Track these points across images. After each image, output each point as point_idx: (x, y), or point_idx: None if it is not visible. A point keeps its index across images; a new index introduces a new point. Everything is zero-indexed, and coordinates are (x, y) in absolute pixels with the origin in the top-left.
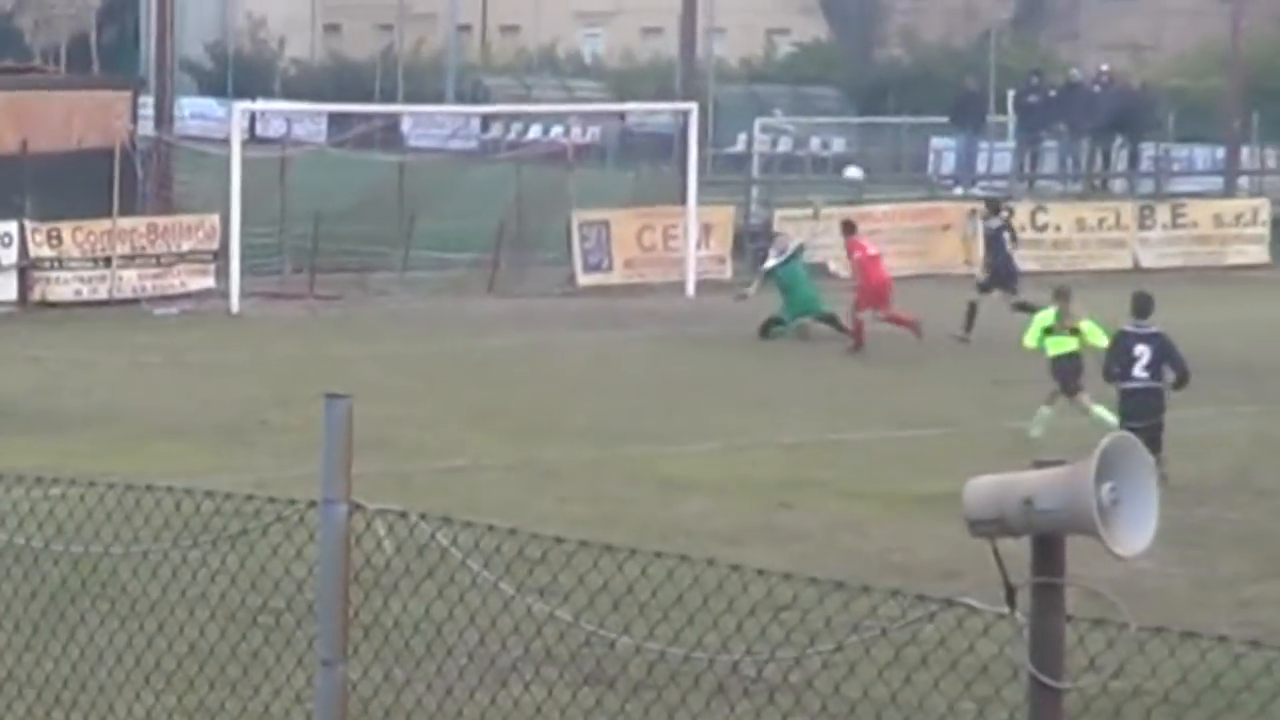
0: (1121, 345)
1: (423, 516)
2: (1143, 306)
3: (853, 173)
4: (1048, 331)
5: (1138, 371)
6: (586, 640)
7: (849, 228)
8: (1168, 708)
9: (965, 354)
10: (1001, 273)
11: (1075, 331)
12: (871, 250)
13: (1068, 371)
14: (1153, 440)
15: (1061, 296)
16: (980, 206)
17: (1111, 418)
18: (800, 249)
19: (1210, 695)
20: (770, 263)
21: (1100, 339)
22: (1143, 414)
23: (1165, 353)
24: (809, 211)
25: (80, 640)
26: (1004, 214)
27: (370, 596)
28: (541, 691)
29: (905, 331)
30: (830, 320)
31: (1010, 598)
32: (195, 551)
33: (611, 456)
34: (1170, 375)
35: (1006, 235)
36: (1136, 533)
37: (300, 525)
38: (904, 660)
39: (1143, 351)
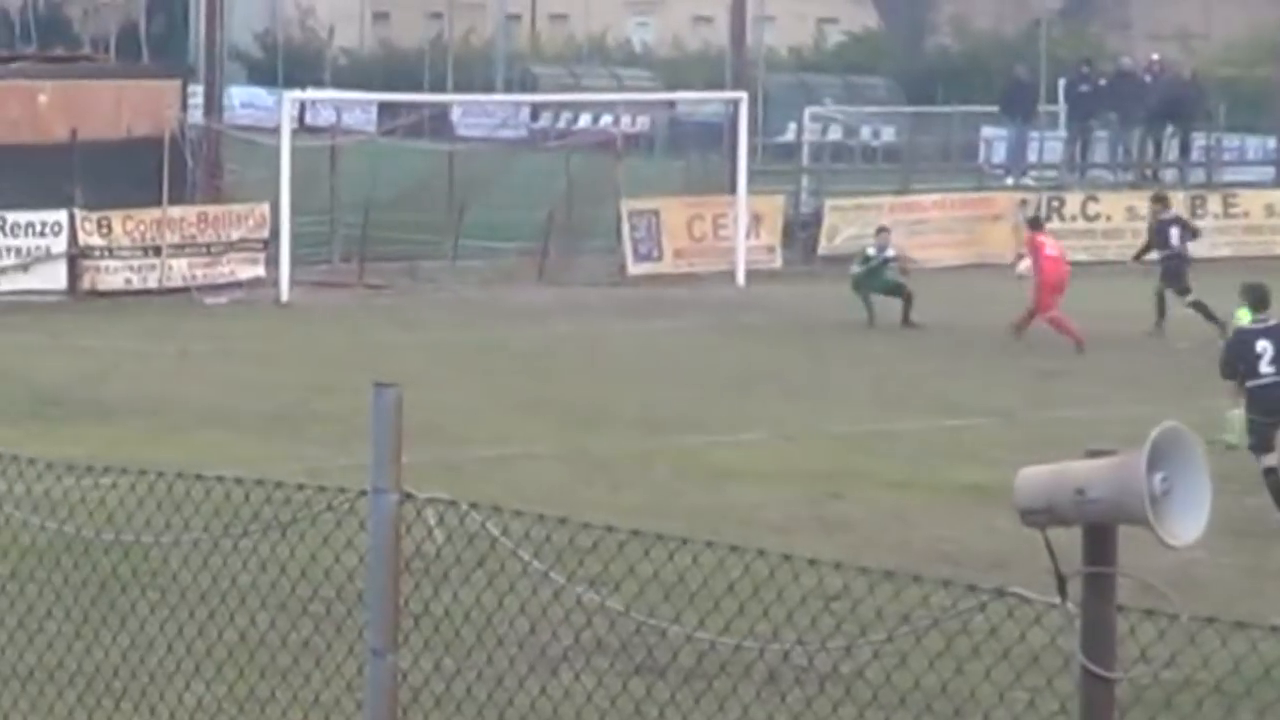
0: (1240, 343)
1: (473, 505)
2: (1258, 299)
3: None
4: None
5: (1263, 368)
6: (637, 630)
7: (1035, 223)
8: (1219, 698)
9: (1012, 345)
10: (1175, 266)
11: None
12: (1050, 250)
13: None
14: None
15: (1254, 294)
16: (1149, 201)
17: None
18: (889, 259)
19: (1262, 686)
20: (862, 262)
21: None
22: (1273, 410)
23: None
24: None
25: (130, 629)
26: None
27: (420, 586)
28: (592, 681)
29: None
30: (900, 293)
31: (1061, 588)
32: (245, 540)
33: (662, 446)
34: None
35: (1176, 229)
36: (1188, 523)
37: (350, 514)
38: (955, 650)
39: (1265, 347)
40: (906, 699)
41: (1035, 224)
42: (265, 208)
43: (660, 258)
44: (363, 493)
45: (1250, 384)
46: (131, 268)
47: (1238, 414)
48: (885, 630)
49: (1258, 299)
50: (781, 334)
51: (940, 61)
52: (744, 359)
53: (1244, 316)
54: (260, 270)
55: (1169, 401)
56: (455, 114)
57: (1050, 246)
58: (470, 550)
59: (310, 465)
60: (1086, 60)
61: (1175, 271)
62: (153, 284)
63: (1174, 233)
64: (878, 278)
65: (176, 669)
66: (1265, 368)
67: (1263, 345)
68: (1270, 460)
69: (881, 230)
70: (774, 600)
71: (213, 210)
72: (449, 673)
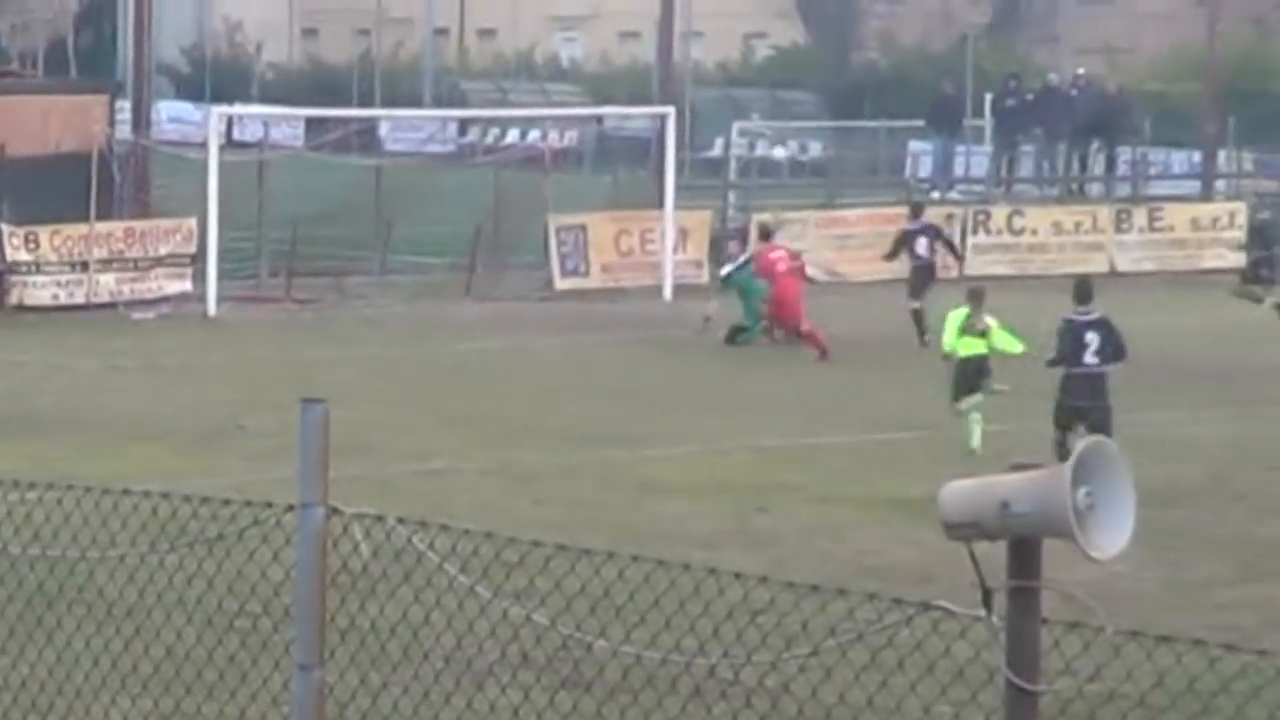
0: (1071, 333)
1: (400, 520)
2: (1084, 293)
3: (779, 153)
4: (960, 332)
5: (1088, 358)
6: (563, 644)
7: (765, 233)
8: (1143, 711)
9: (938, 358)
10: (920, 276)
11: (984, 334)
12: (781, 266)
13: (968, 374)
14: (1102, 423)
15: (974, 298)
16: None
17: (977, 438)
18: (746, 262)
19: (1186, 699)
20: (725, 269)
21: (1009, 343)
22: (1091, 395)
23: (1111, 337)
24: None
25: (57, 644)
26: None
27: (347, 600)
28: (518, 695)
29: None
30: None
31: (986, 601)
32: (172, 555)
33: (588, 460)
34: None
35: (924, 240)
36: (1112, 536)
37: (277, 529)
38: (880, 663)
39: (1092, 338)
40: (832, 713)
41: (766, 233)
42: (193, 223)
43: (587, 273)
44: (290, 507)
45: (1072, 370)
46: (59, 283)
47: (973, 400)
48: (811, 644)
49: (1083, 293)
50: (708, 348)
51: (867, 76)
52: (671, 373)
53: (955, 321)
54: (188, 285)
55: None
56: (383, 129)
57: (782, 256)
58: (397, 565)
59: (238, 480)
60: (1013, 75)
61: (920, 281)
62: (80, 299)
63: (922, 242)
64: (752, 298)
65: (103, 684)
66: (1089, 357)
67: (1090, 336)
68: (1060, 436)
69: (729, 241)
70: (700, 614)
71: (140, 225)
72: (375, 687)
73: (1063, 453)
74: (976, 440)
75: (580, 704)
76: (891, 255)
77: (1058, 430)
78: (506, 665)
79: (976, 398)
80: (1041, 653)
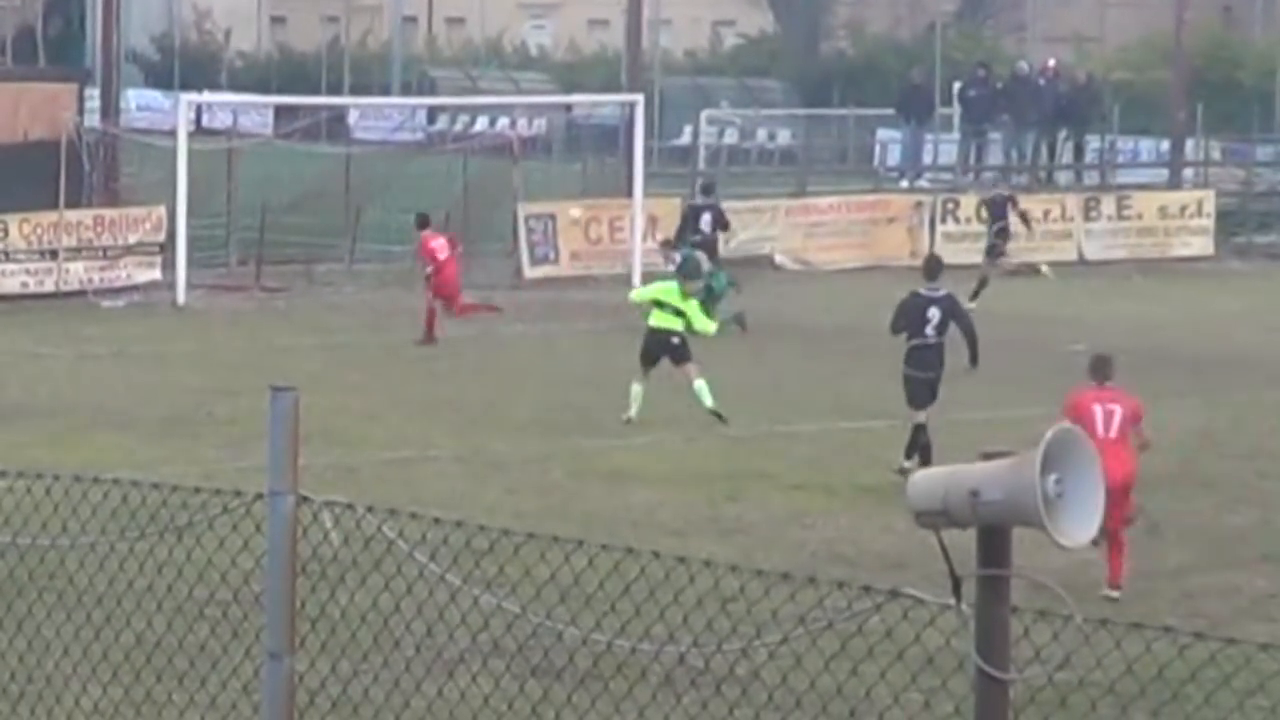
0: (914, 306)
1: (369, 508)
2: (933, 270)
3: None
4: (658, 304)
5: (928, 331)
6: (533, 632)
7: (423, 223)
8: (1113, 699)
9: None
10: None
11: (680, 313)
12: (442, 255)
13: (653, 346)
14: (934, 391)
15: (684, 276)
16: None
17: (635, 410)
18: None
19: (1155, 686)
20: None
21: (704, 325)
22: (928, 366)
23: (953, 314)
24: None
25: (28, 632)
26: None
27: (317, 588)
28: (489, 683)
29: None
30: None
31: (956, 589)
32: (142, 543)
33: (558, 448)
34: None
35: (708, 216)
36: (1081, 524)
37: (247, 517)
38: (850, 651)
39: (934, 314)
40: (802, 700)
41: (423, 223)
42: (162, 211)
43: (557, 260)
44: (259, 495)
45: (914, 342)
46: (28, 271)
47: (639, 389)
48: (781, 632)
49: (931, 269)
50: None
51: (836, 65)
52: None
53: (655, 291)
54: (157, 273)
55: (1062, 403)
56: (352, 117)
57: (441, 244)
58: (367, 553)
59: (207, 468)
60: (981, 64)
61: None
62: (50, 287)
63: (705, 218)
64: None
65: (74, 671)
66: (929, 330)
67: (933, 312)
68: (920, 418)
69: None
70: (670, 602)
71: (110, 213)
72: (345, 675)
73: (918, 438)
74: (634, 411)
75: (551, 692)
76: (680, 231)
77: (913, 409)
78: (477, 653)
79: (637, 390)
80: (1011, 640)
